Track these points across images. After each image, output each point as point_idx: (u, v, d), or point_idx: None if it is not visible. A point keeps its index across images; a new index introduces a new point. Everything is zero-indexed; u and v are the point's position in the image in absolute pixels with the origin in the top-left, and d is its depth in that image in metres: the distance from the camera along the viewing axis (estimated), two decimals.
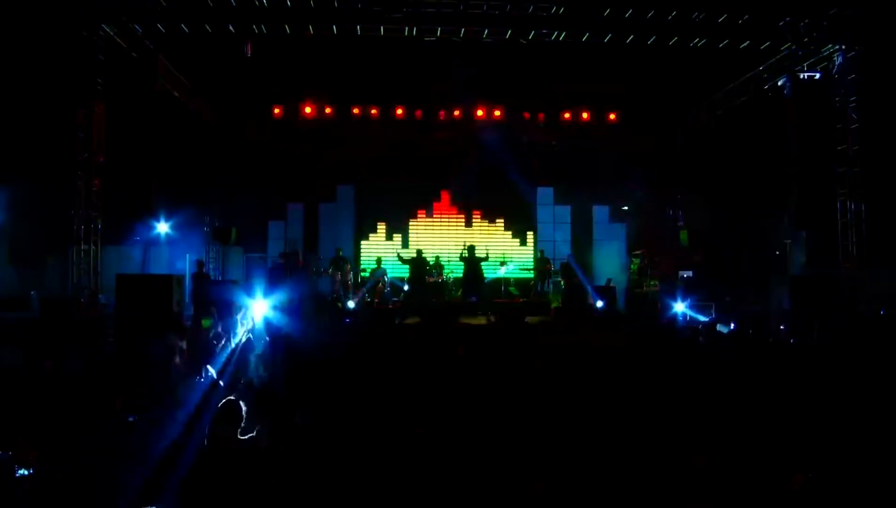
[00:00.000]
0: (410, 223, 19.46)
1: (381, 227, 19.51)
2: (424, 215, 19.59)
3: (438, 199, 19.72)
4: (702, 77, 15.44)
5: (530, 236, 19.84)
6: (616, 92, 17.69)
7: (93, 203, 12.88)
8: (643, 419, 5.32)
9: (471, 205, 19.63)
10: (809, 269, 15.14)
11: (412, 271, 14.91)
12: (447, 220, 19.67)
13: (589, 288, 15.87)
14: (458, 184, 18.80)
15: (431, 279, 16.54)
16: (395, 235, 19.34)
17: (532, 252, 19.46)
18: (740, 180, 18.81)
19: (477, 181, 18.37)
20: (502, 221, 19.86)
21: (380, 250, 18.69)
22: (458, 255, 15.36)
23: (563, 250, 18.97)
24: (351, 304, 15.22)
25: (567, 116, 18.60)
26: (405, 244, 18.93)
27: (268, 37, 13.32)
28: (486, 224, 19.74)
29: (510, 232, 19.86)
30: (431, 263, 16.62)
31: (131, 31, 13.12)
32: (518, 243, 19.85)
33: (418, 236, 19.28)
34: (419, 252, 15.19)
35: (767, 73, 14.99)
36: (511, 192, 19.16)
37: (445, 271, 17.24)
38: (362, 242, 19.34)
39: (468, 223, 19.67)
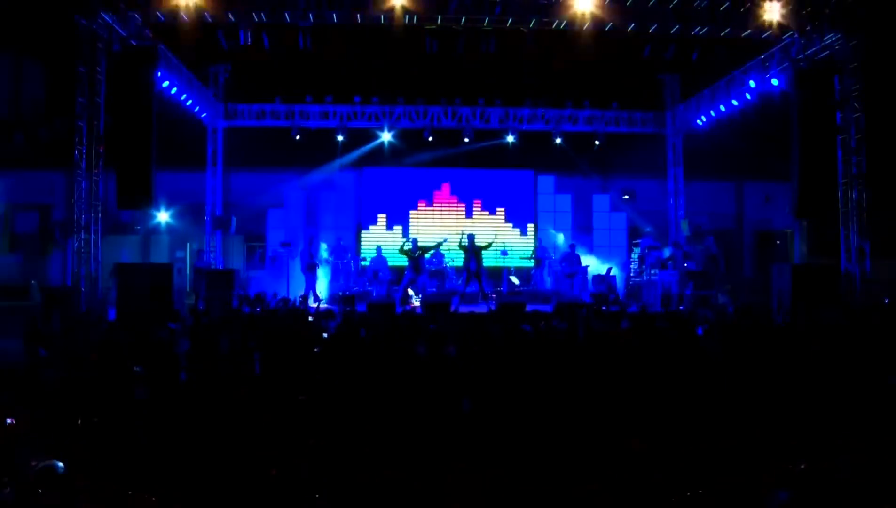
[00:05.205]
0: (411, 214, 19.44)
1: (382, 218, 19.53)
2: (425, 205, 19.61)
3: (439, 188, 19.79)
4: (703, 65, 15.34)
5: (530, 227, 19.83)
6: (617, 79, 17.64)
7: (93, 192, 12.89)
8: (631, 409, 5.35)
9: (471, 195, 19.75)
10: (811, 258, 15.14)
11: (410, 263, 14.85)
12: (447, 211, 19.71)
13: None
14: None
15: (433, 271, 16.57)
16: (395, 226, 19.28)
17: (532, 243, 19.41)
18: (742, 169, 18.77)
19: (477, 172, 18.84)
20: (502, 211, 19.86)
21: (380, 240, 18.68)
22: (458, 243, 15.10)
23: (564, 238, 18.95)
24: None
25: (568, 103, 18.54)
26: (406, 235, 18.83)
27: (267, 25, 13.27)
28: (487, 215, 19.73)
29: (510, 223, 19.87)
30: (432, 251, 16.57)
31: (131, 19, 13.06)
32: (518, 234, 19.85)
33: (419, 226, 19.24)
34: (416, 242, 15.14)
35: (769, 60, 14.90)
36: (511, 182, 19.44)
37: (446, 259, 17.23)
38: (363, 232, 19.39)
39: (469, 214, 19.67)
